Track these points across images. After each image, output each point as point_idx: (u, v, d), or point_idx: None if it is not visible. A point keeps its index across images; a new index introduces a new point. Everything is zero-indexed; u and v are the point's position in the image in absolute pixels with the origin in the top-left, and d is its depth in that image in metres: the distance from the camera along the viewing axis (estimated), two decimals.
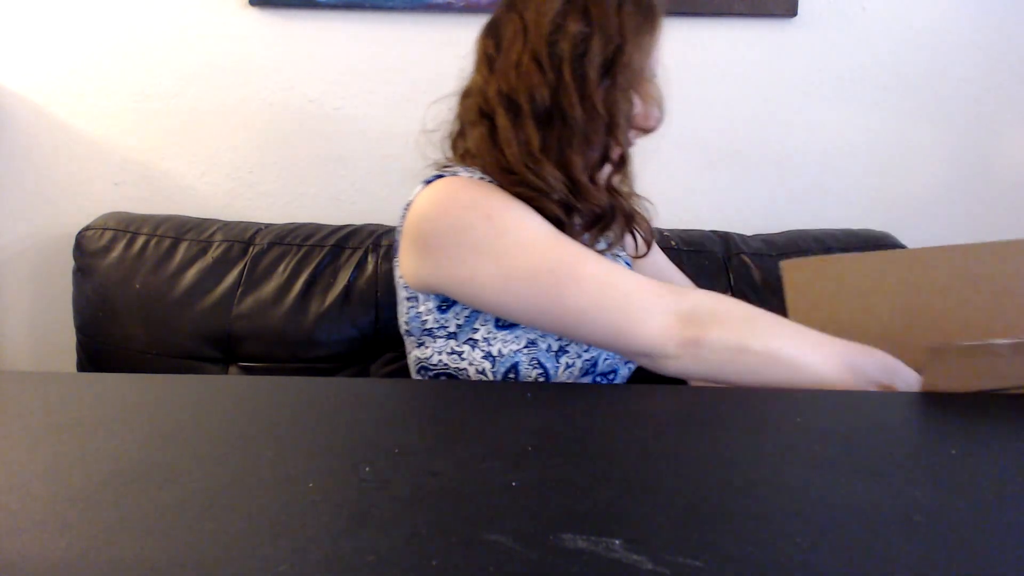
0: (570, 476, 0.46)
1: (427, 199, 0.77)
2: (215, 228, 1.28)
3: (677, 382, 0.75)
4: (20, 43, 1.37)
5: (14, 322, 1.48)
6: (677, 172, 1.43)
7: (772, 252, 1.26)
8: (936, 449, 0.51)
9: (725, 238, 1.31)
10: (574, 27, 0.76)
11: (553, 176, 0.76)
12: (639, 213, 0.87)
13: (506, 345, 0.79)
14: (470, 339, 0.80)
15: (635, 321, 0.71)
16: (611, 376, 0.85)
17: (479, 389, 0.71)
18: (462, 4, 1.31)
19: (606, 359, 0.83)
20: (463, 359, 0.80)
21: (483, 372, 0.79)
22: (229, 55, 1.38)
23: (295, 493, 0.43)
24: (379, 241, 1.25)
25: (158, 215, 1.31)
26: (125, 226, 1.28)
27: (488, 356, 0.79)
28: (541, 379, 0.79)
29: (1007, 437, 0.54)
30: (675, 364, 0.71)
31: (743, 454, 0.50)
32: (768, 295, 1.20)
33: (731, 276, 1.24)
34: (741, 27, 1.36)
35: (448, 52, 1.36)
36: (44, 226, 1.44)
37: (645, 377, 0.79)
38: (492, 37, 0.81)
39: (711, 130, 1.41)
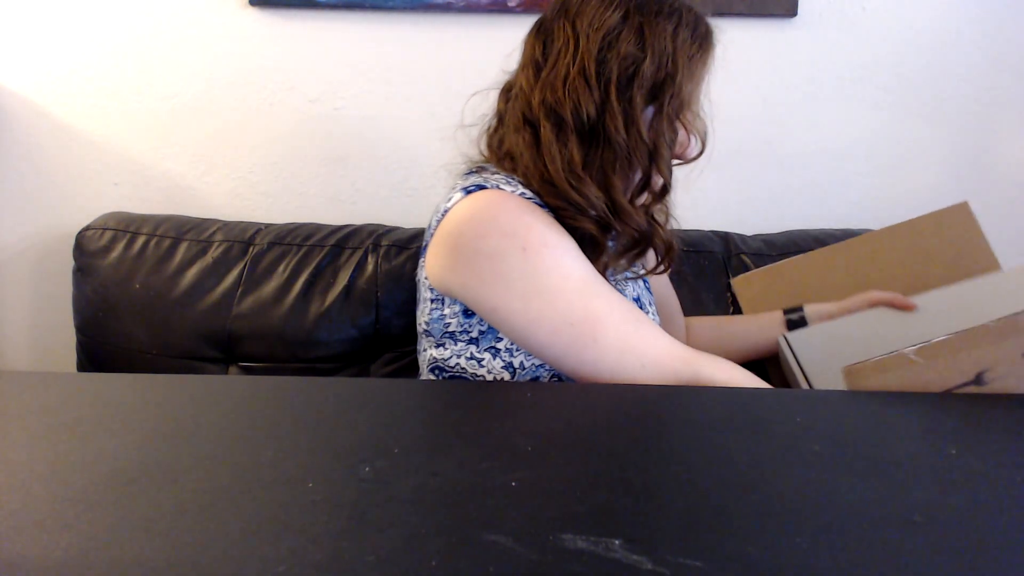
0: (570, 476, 0.46)
1: (467, 212, 0.75)
2: (215, 228, 1.28)
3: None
4: (20, 43, 1.37)
5: (14, 322, 1.48)
6: (677, 172, 1.42)
7: (772, 252, 1.26)
8: (936, 449, 0.51)
9: (725, 238, 1.31)
10: (626, 47, 0.75)
11: (594, 195, 0.75)
12: (675, 242, 0.85)
13: (528, 359, 0.78)
14: (492, 347, 0.79)
15: (645, 377, 0.72)
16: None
17: (479, 389, 0.71)
18: (462, 4, 1.31)
19: None
20: (482, 366, 0.79)
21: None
22: (229, 55, 1.38)
23: (295, 493, 0.43)
24: (379, 241, 1.25)
25: (158, 215, 1.31)
26: (125, 226, 1.28)
27: (509, 367, 0.78)
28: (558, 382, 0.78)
29: (1007, 437, 0.54)
30: None
31: (743, 454, 0.50)
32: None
33: (731, 276, 1.24)
34: (741, 27, 1.36)
35: (448, 52, 1.36)
36: (44, 226, 1.44)
37: None
38: (541, 40, 0.80)
39: (711, 130, 1.41)
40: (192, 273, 1.22)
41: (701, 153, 0.82)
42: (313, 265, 1.22)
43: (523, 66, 0.81)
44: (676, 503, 0.43)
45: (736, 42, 1.38)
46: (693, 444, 0.52)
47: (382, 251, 1.24)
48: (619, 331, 0.72)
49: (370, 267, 1.22)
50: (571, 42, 0.76)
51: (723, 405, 0.60)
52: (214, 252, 1.24)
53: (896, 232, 1.06)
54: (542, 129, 0.76)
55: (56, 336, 1.42)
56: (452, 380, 0.80)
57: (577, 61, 0.76)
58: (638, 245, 0.80)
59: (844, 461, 0.49)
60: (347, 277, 1.22)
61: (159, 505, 0.42)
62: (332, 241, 1.25)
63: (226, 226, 1.28)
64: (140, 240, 1.25)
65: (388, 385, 0.73)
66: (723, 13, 1.35)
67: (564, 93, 0.75)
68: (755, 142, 1.42)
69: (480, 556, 0.37)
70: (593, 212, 0.76)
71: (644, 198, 0.80)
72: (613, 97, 0.75)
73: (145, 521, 0.40)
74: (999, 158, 1.43)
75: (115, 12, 1.36)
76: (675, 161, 0.82)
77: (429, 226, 0.82)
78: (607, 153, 0.76)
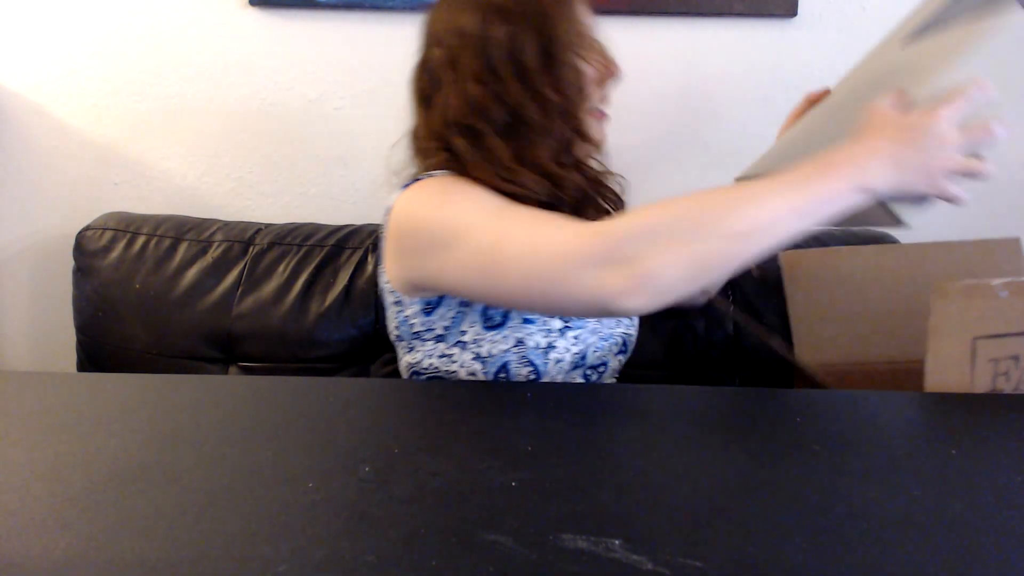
0: (570, 476, 0.46)
1: (403, 202, 0.77)
2: (215, 228, 1.28)
3: (670, 380, 0.75)
4: (20, 43, 1.37)
5: (14, 322, 1.48)
6: (677, 172, 1.43)
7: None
8: (936, 449, 0.51)
9: None
10: (498, 31, 0.76)
11: (532, 180, 0.76)
12: (606, 183, 0.85)
13: (495, 345, 0.79)
14: (459, 341, 0.80)
15: (567, 278, 0.65)
16: (601, 369, 0.85)
17: (479, 389, 0.71)
18: None
19: (595, 351, 0.82)
20: (453, 361, 0.80)
21: (474, 374, 0.79)
22: (229, 55, 1.38)
23: (295, 493, 0.43)
24: (379, 241, 1.25)
25: (158, 215, 1.31)
26: (125, 226, 1.27)
27: (478, 357, 0.79)
28: (532, 377, 0.78)
29: (1007, 437, 0.54)
30: (634, 301, 0.63)
31: (743, 454, 0.50)
32: (768, 294, 1.20)
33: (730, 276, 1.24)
34: (741, 27, 1.36)
35: None
36: (44, 226, 1.44)
37: (641, 377, 0.79)
38: (425, 75, 0.81)
39: (711, 130, 1.41)
40: (192, 273, 1.22)
41: (614, 62, 0.83)
42: (313, 265, 1.22)
43: (416, 108, 0.83)
44: (676, 503, 0.43)
45: (736, 42, 1.38)
46: (693, 444, 0.52)
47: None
48: (523, 236, 0.69)
49: (370, 267, 1.22)
50: (450, 59, 0.78)
51: (723, 405, 0.60)
52: (214, 252, 1.24)
53: (947, 248, 1.07)
54: (456, 145, 0.78)
55: (56, 336, 1.42)
56: (444, 380, 0.80)
57: (465, 71, 0.77)
58: (585, 202, 0.80)
59: (844, 461, 0.49)
60: (347, 277, 1.22)
61: (159, 505, 0.42)
62: (332, 241, 1.25)
63: (226, 226, 1.28)
64: (140, 240, 1.25)
65: (388, 385, 0.73)
66: (723, 13, 1.35)
67: (466, 106, 0.77)
68: (755, 142, 1.42)
69: (480, 556, 0.37)
70: (539, 196, 0.76)
71: (578, 152, 0.81)
72: (510, 80, 0.76)
73: (145, 521, 0.40)
74: (999, 158, 1.42)
75: (115, 12, 1.36)
76: (604, 86, 0.83)
77: (381, 232, 0.83)
78: (527, 133, 0.77)
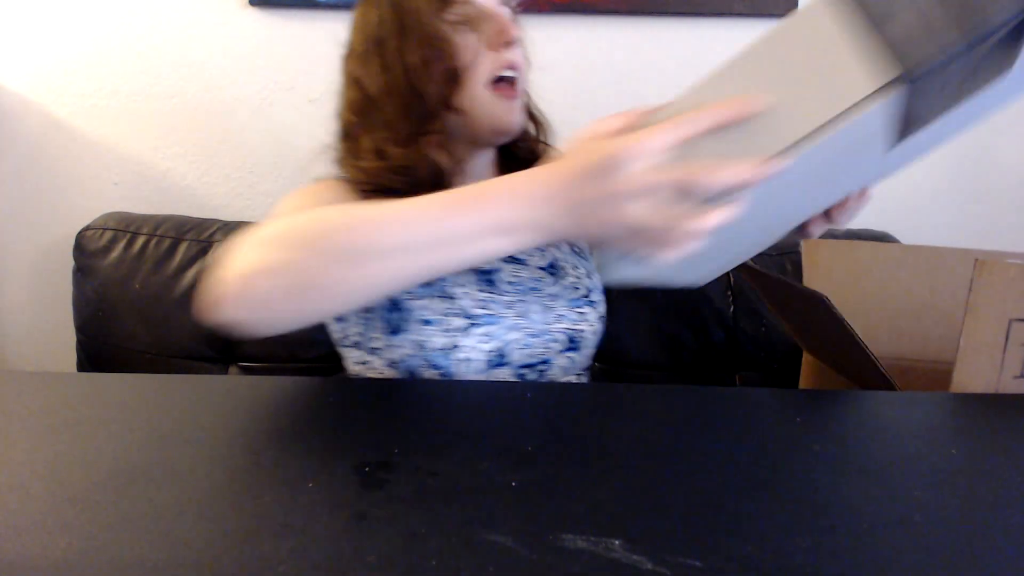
0: (570, 476, 0.46)
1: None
2: (215, 228, 1.28)
3: (670, 380, 0.75)
4: (20, 43, 1.37)
5: (14, 322, 1.48)
6: None
7: (772, 251, 1.26)
8: (936, 449, 0.51)
9: None
10: (372, 17, 0.76)
11: (385, 175, 0.74)
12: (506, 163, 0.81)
13: (399, 350, 0.76)
14: (372, 348, 0.78)
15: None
16: (542, 368, 0.80)
17: (479, 389, 0.71)
18: None
19: (522, 348, 0.78)
20: (372, 368, 0.79)
21: None
22: (229, 55, 1.38)
23: (295, 493, 0.43)
24: None
25: (158, 215, 1.31)
26: (125, 226, 1.28)
27: (391, 363, 0.77)
28: (444, 378, 0.76)
29: (1007, 437, 0.54)
30: (230, 312, 0.56)
31: (743, 454, 0.50)
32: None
33: (731, 276, 1.24)
34: (741, 27, 1.36)
35: None
36: (44, 226, 1.44)
37: (641, 377, 0.78)
38: (355, 89, 0.80)
39: None
40: (192, 273, 1.22)
41: (500, 26, 0.74)
42: None
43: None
44: (676, 503, 0.43)
45: (736, 42, 1.38)
46: (693, 444, 0.52)
47: None
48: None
49: None
50: (351, 80, 0.80)
51: (723, 405, 0.60)
52: (214, 252, 1.24)
53: (967, 255, 1.06)
54: (338, 149, 0.81)
55: (56, 336, 1.42)
56: (444, 380, 0.80)
57: (345, 66, 0.80)
58: (432, 181, 0.75)
59: (844, 461, 0.49)
60: None
61: (159, 505, 0.42)
62: None
63: (226, 226, 1.28)
64: (140, 240, 1.25)
65: (387, 385, 0.72)
66: (723, 13, 1.35)
67: (342, 100, 0.81)
68: None
69: (480, 556, 0.37)
70: (423, 181, 0.74)
71: (457, 129, 0.76)
72: (371, 62, 0.76)
73: (145, 521, 0.40)
74: (999, 158, 1.43)
75: (115, 12, 1.36)
76: (499, 71, 0.75)
77: None
78: (383, 117, 0.76)
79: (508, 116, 0.75)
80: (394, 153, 0.74)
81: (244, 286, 0.54)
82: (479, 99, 0.74)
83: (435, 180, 0.75)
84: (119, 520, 0.40)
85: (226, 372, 1.22)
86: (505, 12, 0.76)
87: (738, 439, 0.53)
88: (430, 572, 0.36)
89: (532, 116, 0.87)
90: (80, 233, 1.27)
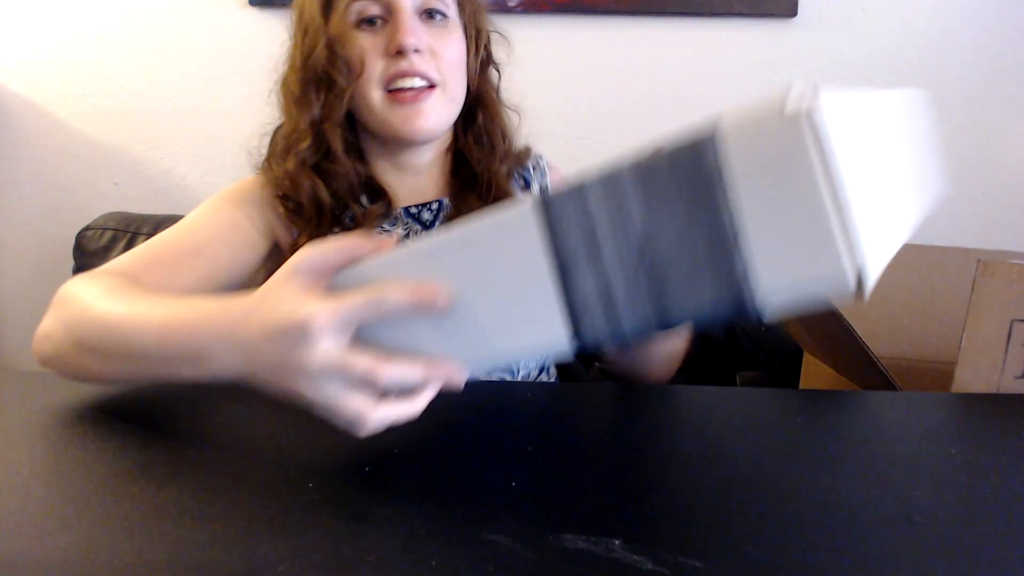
0: (570, 476, 0.46)
1: None
2: None
3: (670, 380, 0.75)
4: (20, 43, 1.37)
5: (14, 322, 1.48)
6: None
7: None
8: (936, 449, 0.51)
9: None
10: (293, 16, 0.79)
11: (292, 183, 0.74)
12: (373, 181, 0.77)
13: None
14: None
15: None
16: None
17: (478, 389, 0.71)
18: None
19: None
20: None
21: None
22: (229, 55, 1.38)
23: (295, 493, 0.43)
24: None
25: (158, 215, 1.31)
26: (125, 226, 1.27)
27: None
28: None
29: (1008, 437, 0.54)
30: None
31: (743, 454, 0.50)
32: None
33: None
34: (741, 27, 1.36)
35: None
36: (44, 226, 1.44)
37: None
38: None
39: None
40: None
41: (396, 36, 0.69)
42: None
43: None
44: (676, 503, 0.43)
45: (736, 42, 1.38)
46: (693, 444, 0.52)
47: None
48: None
49: None
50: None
51: (724, 405, 0.60)
52: None
53: (966, 255, 1.06)
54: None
55: None
56: None
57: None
58: (323, 211, 0.73)
59: (844, 461, 0.49)
60: None
61: (159, 505, 0.42)
62: None
63: None
64: (140, 240, 1.25)
65: None
66: (723, 13, 1.35)
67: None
68: None
69: (480, 556, 0.37)
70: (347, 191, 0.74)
71: (304, 148, 0.74)
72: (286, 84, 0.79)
73: (145, 521, 0.40)
74: (999, 158, 1.43)
75: (115, 12, 1.36)
76: (391, 70, 0.70)
77: None
78: (284, 130, 0.79)
79: (404, 124, 0.71)
80: (291, 160, 0.74)
81: (38, 348, 0.60)
82: (374, 104, 0.72)
83: (317, 204, 0.74)
84: (119, 520, 0.40)
85: None
86: (407, 18, 0.70)
87: (738, 439, 0.53)
88: (430, 572, 0.36)
89: (490, 129, 0.80)
90: (80, 233, 1.27)
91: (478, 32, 0.77)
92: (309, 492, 0.43)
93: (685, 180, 0.33)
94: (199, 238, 0.73)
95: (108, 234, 1.26)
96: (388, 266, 0.43)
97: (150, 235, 1.25)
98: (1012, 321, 0.63)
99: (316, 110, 0.73)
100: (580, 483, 0.45)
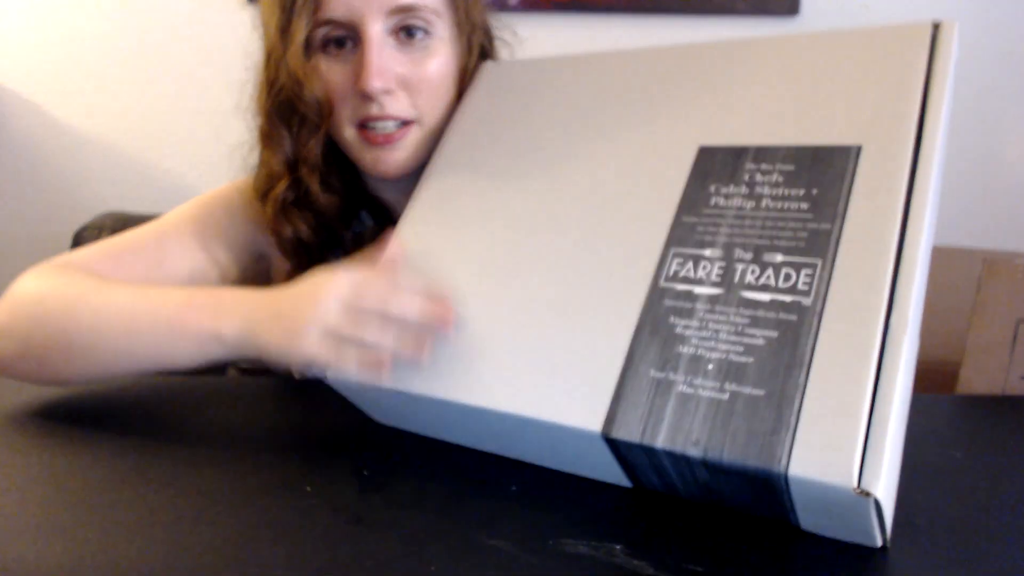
0: (571, 481, 0.45)
1: None
2: None
3: None
4: (20, 43, 1.37)
5: None
6: None
7: None
8: (938, 451, 0.51)
9: None
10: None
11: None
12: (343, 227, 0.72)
13: None
14: None
15: None
16: None
17: None
18: None
19: None
20: None
21: None
22: (229, 54, 1.38)
23: (293, 496, 0.43)
24: None
25: (156, 214, 1.31)
26: (123, 225, 1.27)
27: None
28: None
29: (1008, 438, 0.54)
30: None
31: None
32: None
33: None
34: (742, 26, 1.36)
35: None
36: (42, 225, 1.44)
37: None
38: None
39: None
40: None
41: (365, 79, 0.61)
42: None
43: None
44: (677, 508, 0.42)
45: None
46: None
47: None
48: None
49: None
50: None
51: None
52: None
53: (970, 255, 1.06)
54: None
55: None
56: None
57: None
58: (303, 251, 0.69)
59: None
60: None
61: (156, 508, 0.41)
62: None
63: None
64: None
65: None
66: (724, 12, 1.35)
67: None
68: None
69: (480, 561, 0.37)
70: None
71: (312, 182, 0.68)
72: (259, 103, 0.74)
73: (142, 525, 0.40)
74: (1004, 158, 1.42)
75: (115, 12, 1.36)
76: (360, 110, 0.63)
77: None
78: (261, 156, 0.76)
79: (376, 165, 0.65)
80: (270, 204, 0.70)
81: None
82: (347, 140, 0.66)
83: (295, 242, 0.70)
84: (116, 524, 0.40)
85: (224, 374, 1.22)
86: (374, 53, 0.60)
87: None
88: None
89: None
90: (78, 232, 1.27)
91: (472, 29, 0.68)
92: (307, 496, 0.43)
93: (752, 481, 0.37)
94: (165, 249, 0.71)
95: (106, 233, 1.26)
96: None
97: None
98: (1018, 321, 0.63)
99: (288, 148, 0.68)
100: (581, 488, 0.45)
